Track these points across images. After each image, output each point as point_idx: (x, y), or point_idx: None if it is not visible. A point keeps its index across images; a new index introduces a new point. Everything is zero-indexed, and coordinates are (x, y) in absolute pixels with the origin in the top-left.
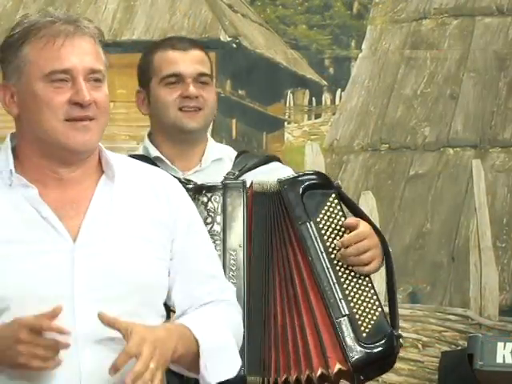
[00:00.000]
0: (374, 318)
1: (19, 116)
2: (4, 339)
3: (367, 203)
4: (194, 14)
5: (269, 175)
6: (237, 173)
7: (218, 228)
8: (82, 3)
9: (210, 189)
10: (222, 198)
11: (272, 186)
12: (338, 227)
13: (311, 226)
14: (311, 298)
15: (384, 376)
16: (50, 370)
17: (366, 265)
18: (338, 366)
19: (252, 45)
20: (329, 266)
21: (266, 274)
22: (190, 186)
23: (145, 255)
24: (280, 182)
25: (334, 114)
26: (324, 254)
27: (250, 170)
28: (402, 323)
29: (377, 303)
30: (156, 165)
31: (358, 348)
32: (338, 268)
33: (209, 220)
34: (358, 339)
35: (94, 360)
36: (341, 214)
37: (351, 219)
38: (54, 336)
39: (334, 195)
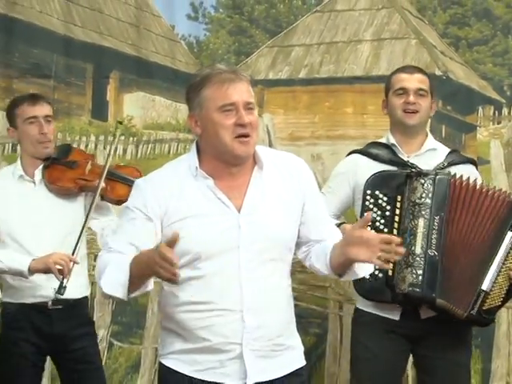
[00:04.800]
0: (495, 305)
1: (201, 135)
2: (150, 257)
3: None
4: (418, 57)
5: (464, 172)
6: (446, 164)
7: (428, 201)
8: (347, 51)
9: (427, 174)
10: (433, 181)
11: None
12: None
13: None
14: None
15: None
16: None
17: None
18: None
19: (456, 77)
20: (503, 260)
21: (460, 236)
22: (414, 171)
23: (285, 219)
24: None
25: (510, 121)
26: (504, 252)
27: (455, 164)
28: None
29: (501, 299)
30: (392, 149)
31: (475, 311)
32: (504, 266)
33: (423, 195)
34: (479, 308)
35: (254, 291)
36: None
37: None
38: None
39: None
